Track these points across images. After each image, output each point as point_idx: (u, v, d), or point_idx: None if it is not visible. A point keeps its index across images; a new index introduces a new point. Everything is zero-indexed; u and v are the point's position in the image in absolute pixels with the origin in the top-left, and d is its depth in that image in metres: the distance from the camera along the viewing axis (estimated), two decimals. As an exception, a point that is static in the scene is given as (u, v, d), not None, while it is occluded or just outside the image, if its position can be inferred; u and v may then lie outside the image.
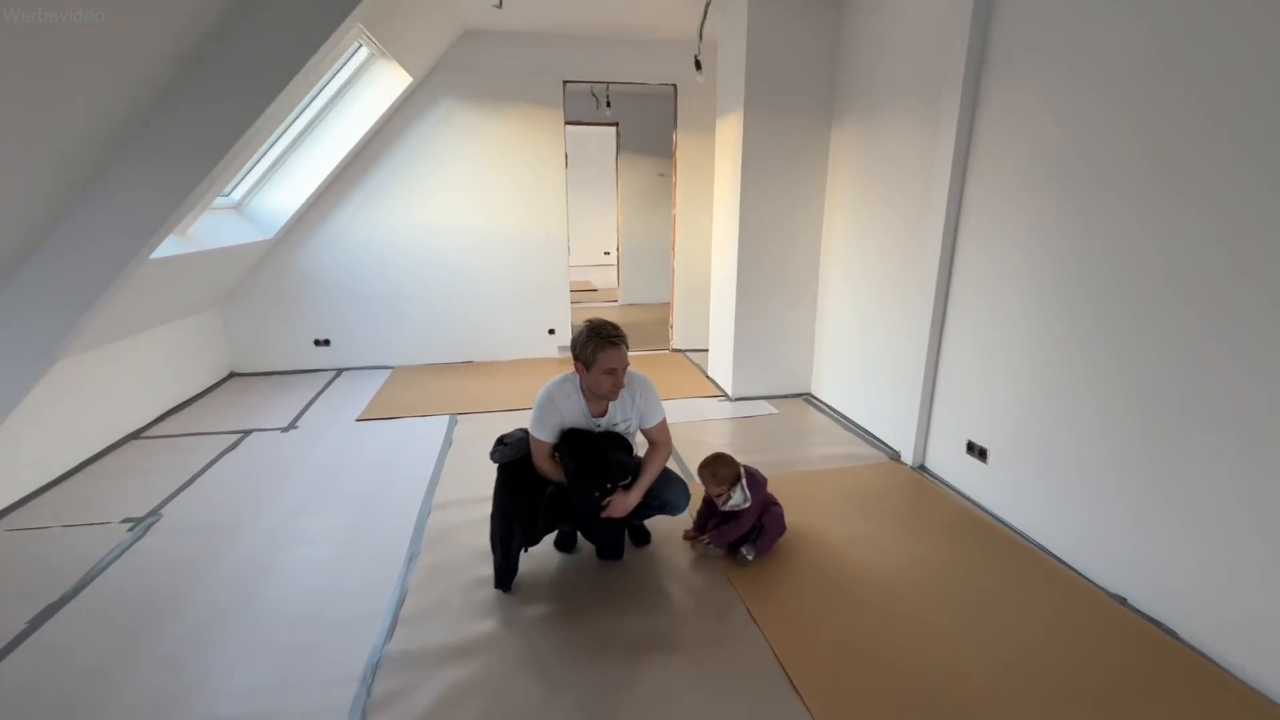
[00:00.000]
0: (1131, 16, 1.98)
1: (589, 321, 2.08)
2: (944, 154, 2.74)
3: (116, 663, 1.81)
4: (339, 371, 4.78)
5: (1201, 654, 1.84)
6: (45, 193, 2.06)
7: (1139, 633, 1.94)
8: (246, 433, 3.56)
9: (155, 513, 2.66)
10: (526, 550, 2.18)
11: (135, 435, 3.49)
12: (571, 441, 2.08)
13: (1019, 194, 2.45)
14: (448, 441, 3.44)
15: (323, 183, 4.29)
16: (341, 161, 4.27)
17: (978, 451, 2.72)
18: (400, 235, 4.68)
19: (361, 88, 4.05)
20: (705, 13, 3.69)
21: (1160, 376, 1.94)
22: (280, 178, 4.14)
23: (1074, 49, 2.18)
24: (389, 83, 4.10)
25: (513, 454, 2.17)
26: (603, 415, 2.15)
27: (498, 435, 2.28)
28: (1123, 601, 2.08)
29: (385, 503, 2.76)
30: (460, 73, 4.50)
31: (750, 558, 2.24)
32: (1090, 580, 2.19)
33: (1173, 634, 1.92)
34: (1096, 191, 2.13)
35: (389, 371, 4.79)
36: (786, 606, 2.06)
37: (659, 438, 2.23)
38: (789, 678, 1.76)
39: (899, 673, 1.78)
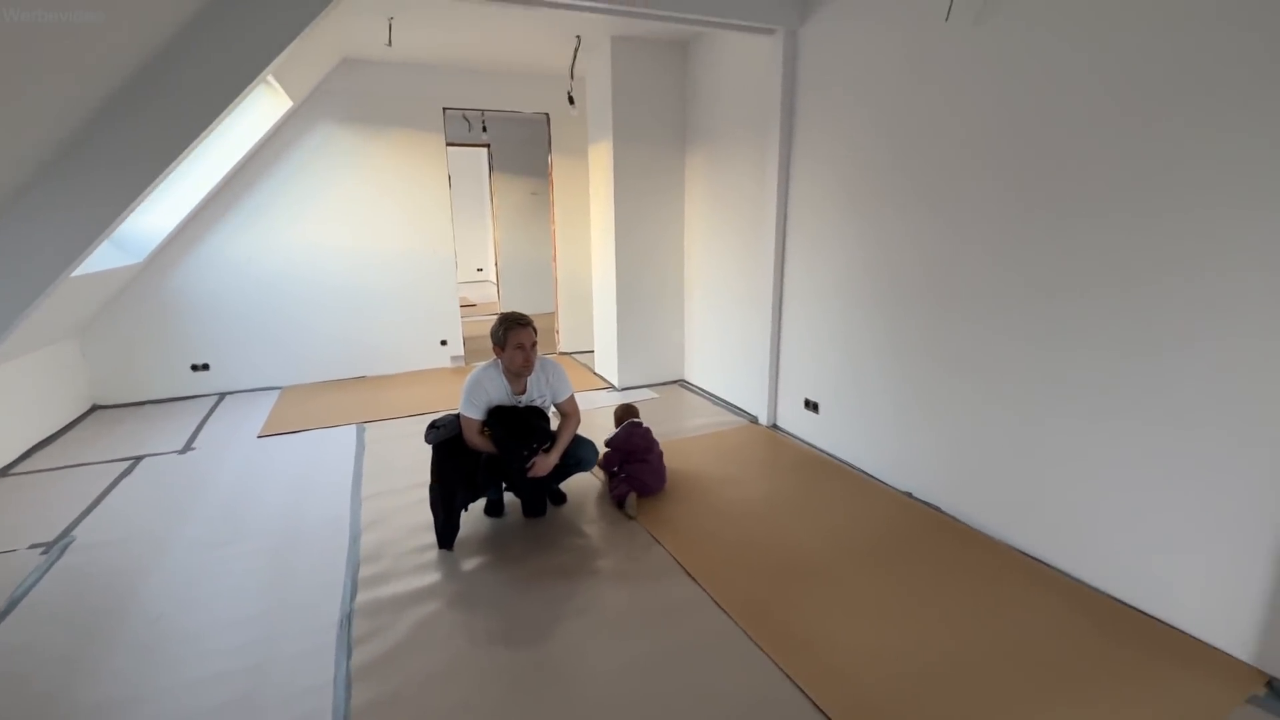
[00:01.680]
0: (882, 85, 2.84)
1: (501, 314, 2.56)
2: (770, 178, 3.54)
3: (81, 656, 1.94)
4: (222, 396, 4.68)
5: (957, 519, 2.70)
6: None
7: (920, 513, 2.77)
8: (138, 459, 3.49)
9: (66, 535, 2.65)
10: (466, 509, 2.57)
11: (3, 473, 3.30)
12: (499, 415, 2.52)
13: (826, 209, 3.28)
14: (361, 445, 3.64)
15: (198, 205, 4.25)
16: (218, 184, 4.27)
17: (812, 406, 3.53)
18: (285, 255, 4.72)
19: (239, 110, 4.10)
20: (575, 55, 4.27)
21: (920, 342, 2.81)
22: (151, 200, 4.05)
23: (848, 107, 3.04)
24: (268, 106, 4.20)
25: (446, 434, 2.56)
26: (523, 393, 2.61)
27: (414, 432, 2.64)
28: (910, 495, 2.92)
29: (315, 500, 2.96)
30: (340, 98, 4.68)
31: (630, 514, 2.76)
32: (889, 485, 3.03)
33: (939, 510, 2.77)
34: (872, 206, 2.98)
35: (278, 392, 4.78)
36: (681, 529, 2.64)
37: (569, 409, 2.72)
38: (688, 573, 2.33)
39: (762, 559, 2.43)
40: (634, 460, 2.90)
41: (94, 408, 4.38)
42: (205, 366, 4.66)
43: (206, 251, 4.53)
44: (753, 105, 3.71)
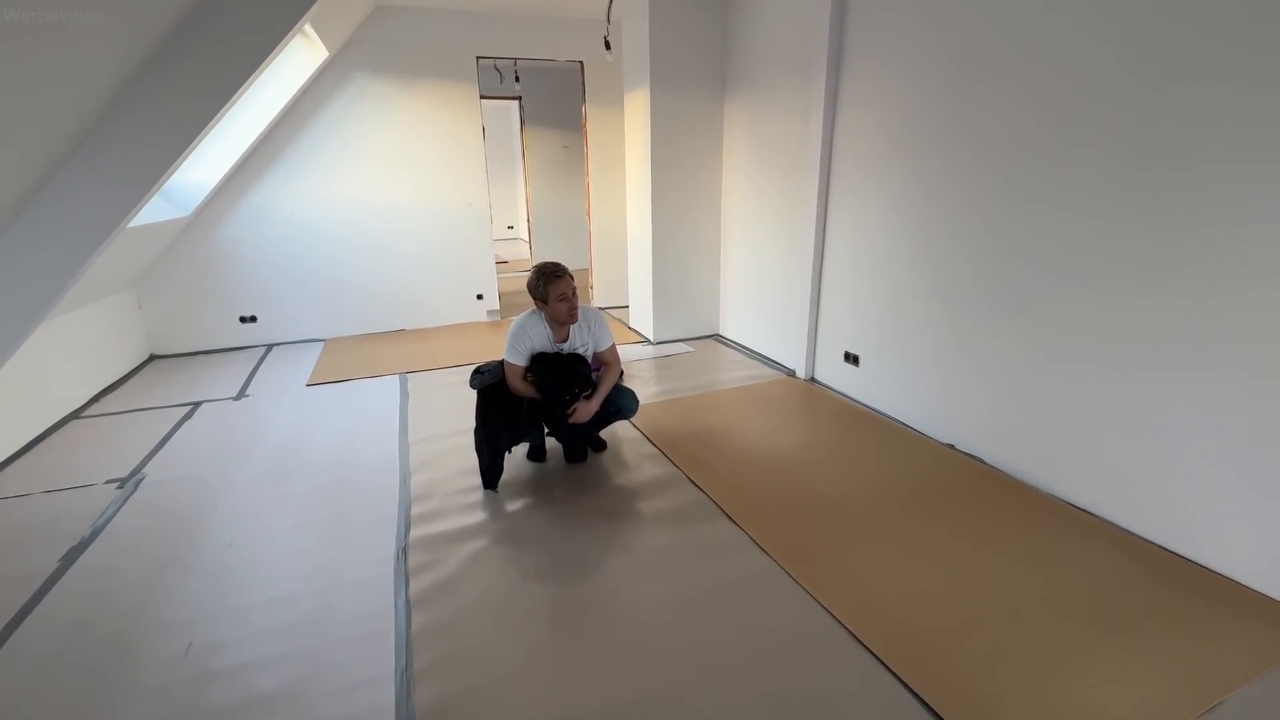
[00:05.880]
0: (935, 28, 2.70)
1: (535, 266, 2.56)
2: (815, 126, 3.42)
3: (162, 578, 2.08)
4: (269, 347, 4.84)
5: (998, 469, 2.67)
6: (21, 173, 2.19)
7: (961, 464, 2.75)
8: (196, 404, 3.66)
9: (138, 472, 2.82)
10: (510, 451, 2.64)
11: (75, 415, 3.49)
12: (543, 360, 2.55)
13: (871, 159, 3.17)
14: (405, 394, 3.75)
15: (240, 158, 4.31)
16: (259, 136, 4.31)
17: (852, 359, 3.49)
18: (324, 209, 4.78)
19: (278, 62, 4.11)
20: (610, -2, 4.14)
21: (969, 290, 2.73)
22: (197, 154, 4.12)
23: (898, 54, 2.89)
24: (305, 57, 4.19)
25: (490, 379, 2.61)
26: (565, 341, 2.64)
27: (455, 382, 2.70)
28: (952, 447, 2.89)
29: (364, 444, 3.07)
30: (373, 47, 4.64)
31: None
32: (931, 437, 3.00)
33: (981, 460, 2.75)
34: (921, 155, 2.87)
35: (321, 344, 4.91)
36: (719, 475, 2.68)
37: (610, 358, 2.74)
38: (728, 515, 2.37)
39: (801, 504, 2.45)
40: None
41: (151, 357, 4.57)
42: (253, 319, 4.81)
43: (251, 206, 4.62)
44: (797, 51, 3.56)
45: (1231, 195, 1.83)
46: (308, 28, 3.74)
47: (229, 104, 2.61)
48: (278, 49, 2.60)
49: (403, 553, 2.19)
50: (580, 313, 2.63)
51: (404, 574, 2.07)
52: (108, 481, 2.74)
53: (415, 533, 2.31)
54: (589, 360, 2.71)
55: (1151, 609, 1.84)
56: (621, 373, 2.81)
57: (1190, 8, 1.87)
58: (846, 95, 3.26)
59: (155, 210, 3.97)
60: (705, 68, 4.27)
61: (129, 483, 2.72)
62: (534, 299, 2.57)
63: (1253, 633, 1.74)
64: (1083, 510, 2.35)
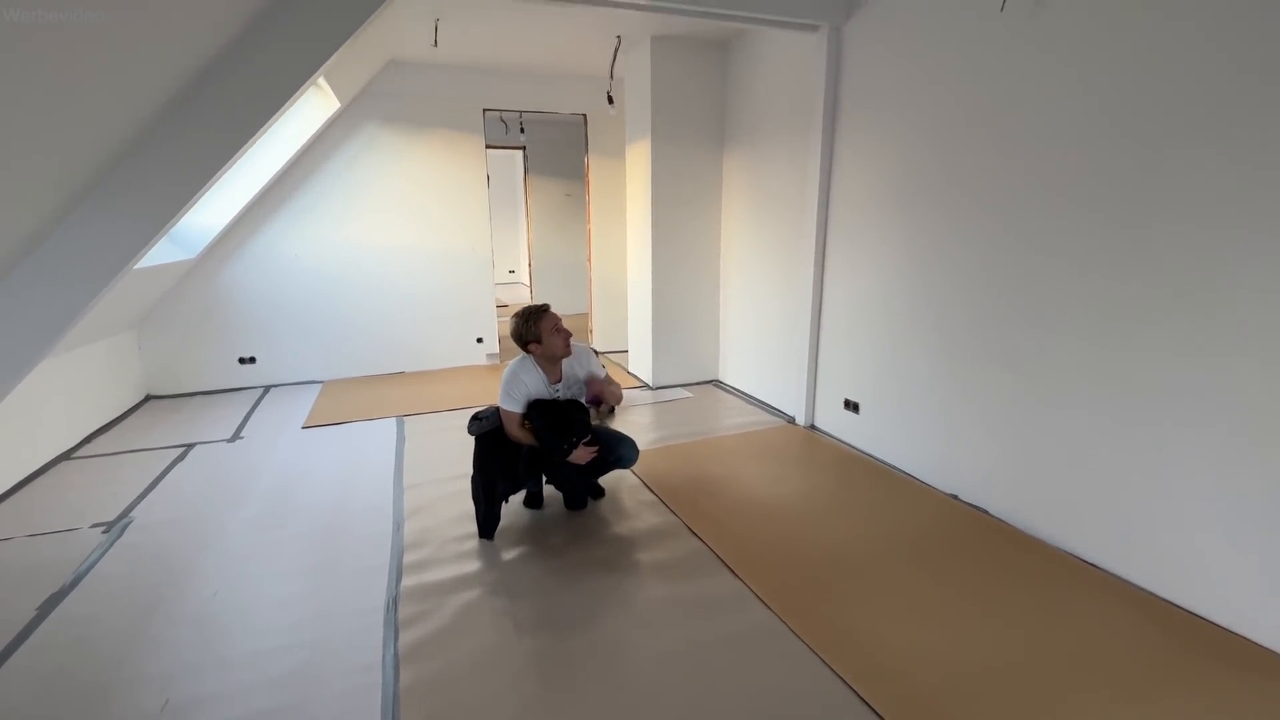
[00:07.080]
0: (930, 81, 2.81)
1: (515, 314, 2.57)
2: (812, 175, 3.51)
3: (144, 627, 2.00)
4: (267, 388, 4.82)
5: (1004, 521, 2.63)
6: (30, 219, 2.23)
7: (965, 515, 2.71)
8: (189, 446, 3.62)
9: (125, 516, 2.76)
10: (507, 500, 2.59)
11: (65, 456, 3.45)
12: (539, 408, 2.54)
13: (869, 207, 3.24)
14: (401, 437, 3.71)
15: (249, 203, 4.40)
16: (268, 182, 4.41)
17: (852, 406, 3.48)
18: (329, 253, 4.85)
19: (290, 111, 4.24)
20: (615, 55, 4.31)
21: (969, 338, 2.75)
22: (205, 198, 4.20)
23: (894, 106, 3.00)
24: (317, 107, 4.33)
25: (488, 426, 2.59)
26: (559, 381, 2.63)
27: (453, 426, 2.68)
28: (955, 497, 2.86)
29: (359, 489, 3.02)
30: (385, 99, 4.80)
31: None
32: (933, 486, 2.97)
33: (986, 512, 2.70)
34: (919, 205, 2.94)
35: (319, 385, 4.90)
36: (720, 524, 2.63)
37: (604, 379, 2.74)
38: (728, 567, 2.32)
39: (803, 555, 2.40)
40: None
41: (148, 397, 4.55)
42: (252, 360, 4.81)
43: (256, 248, 4.68)
44: (794, 104, 3.69)
45: (1224, 255, 1.87)
46: (321, 80, 3.88)
47: (240, 153, 2.67)
48: (290, 102, 2.68)
49: (393, 603, 2.12)
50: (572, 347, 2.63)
51: (394, 625, 2.00)
52: (93, 525, 2.68)
53: (407, 582, 2.24)
54: (584, 398, 2.70)
55: (1167, 670, 1.78)
56: (619, 392, 2.81)
57: (1176, 71, 1.95)
58: (843, 145, 3.36)
59: (162, 252, 4.02)
60: (705, 120, 4.41)
61: (115, 527, 2.66)
62: (524, 344, 2.56)
63: (1275, 694, 1.67)
64: (1091, 564, 2.30)
